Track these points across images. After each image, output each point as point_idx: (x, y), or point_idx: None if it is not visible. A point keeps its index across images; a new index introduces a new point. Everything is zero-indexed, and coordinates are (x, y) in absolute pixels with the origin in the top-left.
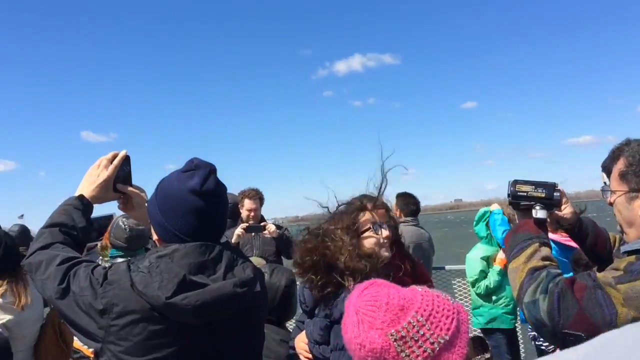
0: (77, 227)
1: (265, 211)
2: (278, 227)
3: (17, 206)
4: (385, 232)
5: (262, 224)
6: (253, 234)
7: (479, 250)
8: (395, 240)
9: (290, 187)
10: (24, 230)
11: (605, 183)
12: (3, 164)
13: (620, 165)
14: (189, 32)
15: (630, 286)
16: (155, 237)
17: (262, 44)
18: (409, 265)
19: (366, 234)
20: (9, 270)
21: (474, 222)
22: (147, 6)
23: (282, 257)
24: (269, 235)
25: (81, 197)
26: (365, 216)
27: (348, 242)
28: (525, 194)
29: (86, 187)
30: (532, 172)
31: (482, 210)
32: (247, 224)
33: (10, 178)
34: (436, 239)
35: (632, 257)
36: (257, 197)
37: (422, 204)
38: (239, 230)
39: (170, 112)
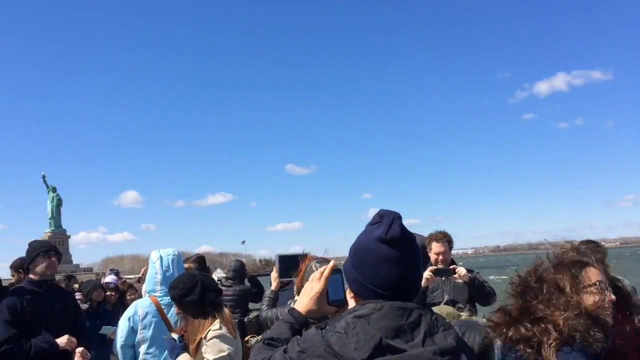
0: (281, 338)
1: (464, 241)
2: (469, 270)
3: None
4: (611, 296)
5: (451, 267)
6: (443, 278)
7: None
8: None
9: (487, 215)
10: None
11: None
12: (223, 196)
13: None
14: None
15: None
16: (350, 295)
17: (459, 69)
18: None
19: (589, 289)
20: (213, 306)
21: None
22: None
23: (477, 305)
24: (459, 280)
25: (292, 310)
26: (592, 271)
27: (571, 296)
28: None
29: (302, 301)
30: None
31: None
32: (435, 267)
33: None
34: None
35: None
36: (445, 239)
37: None
38: (427, 273)
39: (362, 145)
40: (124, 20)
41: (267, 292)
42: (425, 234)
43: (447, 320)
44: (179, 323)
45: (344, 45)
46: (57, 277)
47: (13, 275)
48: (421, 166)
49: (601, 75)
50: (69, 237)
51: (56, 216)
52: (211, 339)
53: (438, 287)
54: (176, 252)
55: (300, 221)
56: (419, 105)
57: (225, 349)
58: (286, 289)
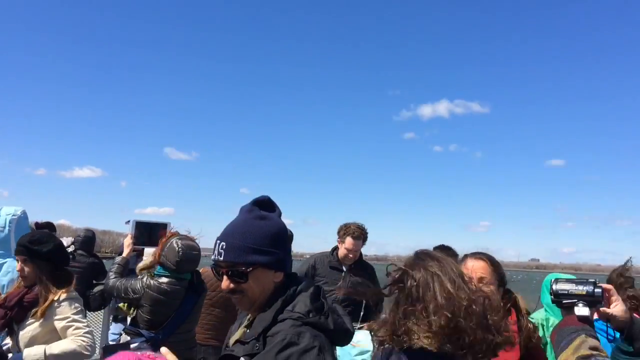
0: None
1: (331, 245)
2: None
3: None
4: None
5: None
6: (343, 273)
7: (540, 314)
8: None
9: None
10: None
11: None
12: (91, 170)
13: None
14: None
15: None
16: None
17: (354, 80)
18: None
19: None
20: (67, 272)
21: (541, 290)
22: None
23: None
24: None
25: None
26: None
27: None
28: (566, 292)
29: None
30: (614, 240)
31: (550, 276)
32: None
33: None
34: None
35: None
36: (362, 237)
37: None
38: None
39: (251, 138)
40: None
41: (117, 259)
42: (299, 235)
43: None
44: (6, 287)
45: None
46: None
47: None
48: (302, 169)
49: (479, 107)
50: None
51: None
52: (65, 299)
53: (338, 281)
54: (20, 213)
55: (172, 207)
56: (309, 110)
57: (79, 305)
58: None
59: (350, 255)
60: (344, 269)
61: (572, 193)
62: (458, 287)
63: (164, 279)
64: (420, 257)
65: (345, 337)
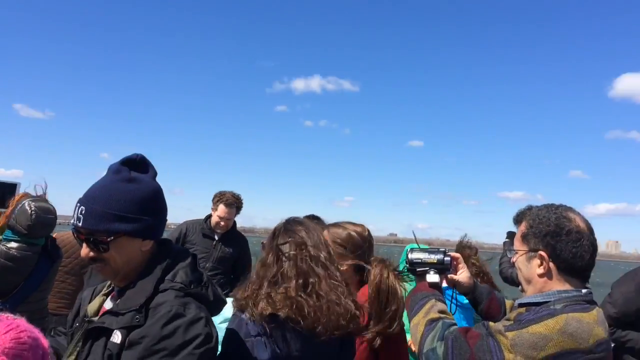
0: None
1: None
2: None
3: None
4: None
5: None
6: (214, 242)
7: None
8: None
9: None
10: None
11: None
12: None
13: (522, 228)
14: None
15: (518, 334)
16: None
17: (224, 43)
18: None
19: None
20: None
21: (401, 259)
22: None
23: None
24: None
25: None
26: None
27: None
28: (419, 260)
29: None
30: (461, 217)
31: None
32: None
33: None
34: None
35: (523, 309)
36: (235, 205)
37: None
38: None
39: (117, 101)
40: None
41: None
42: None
43: None
44: None
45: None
46: None
47: None
48: (171, 139)
49: (350, 86)
50: None
51: None
52: None
53: (209, 249)
54: None
55: (21, 169)
56: (180, 78)
57: None
58: None
59: (222, 223)
60: (216, 237)
61: (429, 173)
62: (317, 256)
63: (14, 244)
64: (289, 224)
65: (219, 308)
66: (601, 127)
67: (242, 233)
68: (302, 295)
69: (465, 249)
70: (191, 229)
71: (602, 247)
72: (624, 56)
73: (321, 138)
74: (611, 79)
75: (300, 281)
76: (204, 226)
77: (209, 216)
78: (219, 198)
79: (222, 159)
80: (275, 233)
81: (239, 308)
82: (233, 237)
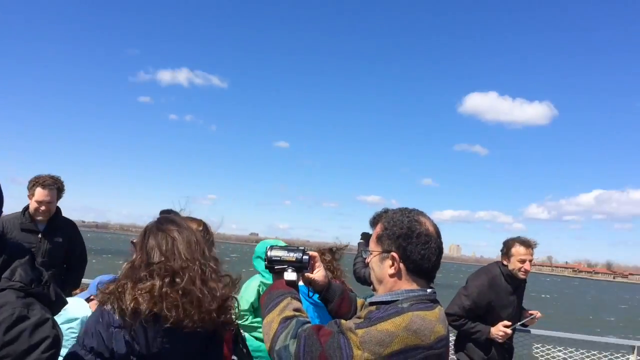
0: None
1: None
2: None
3: None
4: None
5: None
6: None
7: (256, 280)
8: None
9: (77, 186)
10: None
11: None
12: None
13: (378, 230)
14: None
15: (367, 331)
16: None
17: (88, 31)
18: None
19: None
20: None
21: (254, 255)
22: None
23: None
24: None
25: None
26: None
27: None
28: (278, 258)
29: None
30: (322, 219)
31: (262, 243)
32: None
33: None
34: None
35: (374, 307)
36: (55, 186)
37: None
38: None
39: None
40: None
41: None
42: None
43: None
44: None
45: None
46: None
47: None
48: (8, 127)
49: (219, 81)
50: None
51: None
52: None
53: (34, 244)
54: None
55: None
56: (39, 61)
57: None
58: None
59: (43, 208)
60: (40, 229)
61: (293, 174)
62: (188, 256)
63: None
64: (161, 223)
65: (60, 307)
66: (451, 139)
67: (95, 229)
68: (169, 291)
69: (325, 249)
70: (8, 226)
71: (445, 251)
72: (474, 76)
73: (186, 133)
74: (461, 97)
75: (168, 279)
76: (23, 220)
77: (27, 207)
78: (34, 182)
79: (74, 150)
80: (147, 232)
81: (102, 302)
82: (60, 224)
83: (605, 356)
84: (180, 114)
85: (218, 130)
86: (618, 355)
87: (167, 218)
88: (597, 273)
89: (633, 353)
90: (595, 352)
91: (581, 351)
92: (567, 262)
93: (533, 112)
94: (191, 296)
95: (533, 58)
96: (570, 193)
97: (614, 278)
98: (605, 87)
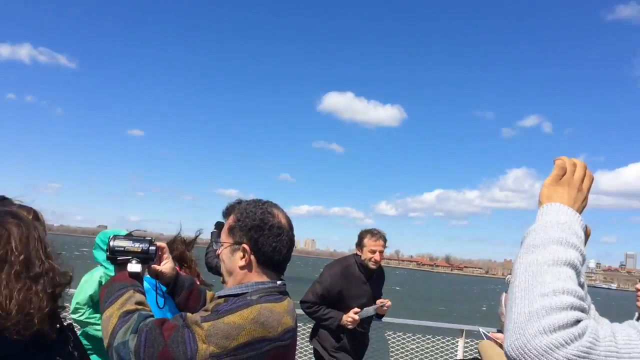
0: None
1: None
2: None
3: None
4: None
5: None
6: None
7: (99, 271)
8: None
9: None
10: None
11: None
12: None
13: (230, 221)
14: None
15: (214, 324)
16: None
17: None
18: None
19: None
20: None
21: (94, 246)
22: None
23: None
24: None
25: None
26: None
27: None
28: (122, 248)
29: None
30: (178, 211)
31: (103, 233)
32: None
33: None
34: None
35: (222, 300)
36: None
37: (56, 224)
38: None
39: None
40: None
41: None
42: None
43: None
44: None
45: None
46: None
47: None
48: None
49: (67, 61)
50: None
51: None
52: None
53: None
54: None
55: None
56: None
57: None
58: None
59: None
60: None
61: (148, 165)
62: (16, 255)
63: None
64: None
65: None
66: (309, 136)
67: None
68: None
69: (177, 240)
70: None
71: (301, 245)
72: (333, 76)
73: (26, 114)
74: (320, 95)
75: None
76: None
77: None
78: None
79: None
80: None
81: None
82: None
83: (438, 339)
84: (20, 93)
85: (65, 113)
86: (449, 337)
87: (9, 211)
88: (437, 266)
89: (461, 336)
90: (429, 336)
91: (418, 335)
92: (412, 256)
93: (385, 114)
94: (11, 301)
95: (389, 65)
96: (415, 192)
97: (451, 270)
98: (449, 96)
